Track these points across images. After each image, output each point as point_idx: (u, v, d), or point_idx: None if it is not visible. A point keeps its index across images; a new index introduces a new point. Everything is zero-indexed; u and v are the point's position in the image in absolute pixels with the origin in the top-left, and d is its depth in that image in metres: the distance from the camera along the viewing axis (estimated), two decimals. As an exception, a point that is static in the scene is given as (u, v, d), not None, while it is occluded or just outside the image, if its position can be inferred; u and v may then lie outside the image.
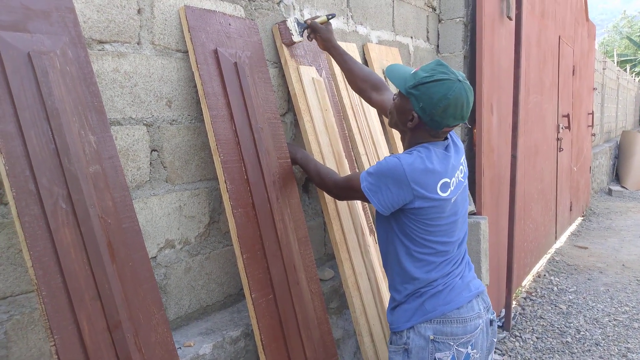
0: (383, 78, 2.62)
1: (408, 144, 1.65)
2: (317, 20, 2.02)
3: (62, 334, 1.17)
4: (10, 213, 1.30)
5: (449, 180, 1.56)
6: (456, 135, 1.76)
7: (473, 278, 1.70)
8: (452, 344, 1.57)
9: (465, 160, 1.72)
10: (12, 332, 1.33)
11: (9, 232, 1.31)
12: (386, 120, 2.65)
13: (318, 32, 2.01)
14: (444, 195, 1.55)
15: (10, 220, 1.31)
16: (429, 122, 1.54)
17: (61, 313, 1.19)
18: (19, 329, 1.34)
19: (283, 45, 2.06)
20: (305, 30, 2.05)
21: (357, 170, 2.31)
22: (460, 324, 1.58)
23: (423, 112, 1.53)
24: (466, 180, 1.70)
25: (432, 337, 1.57)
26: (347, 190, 1.72)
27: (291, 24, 2.03)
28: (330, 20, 2.03)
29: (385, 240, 1.67)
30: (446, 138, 1.65)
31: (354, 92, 2.41)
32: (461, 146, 1.73)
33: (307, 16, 2.27)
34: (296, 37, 2.04)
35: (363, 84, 2.00)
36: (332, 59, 2.10)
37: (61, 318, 1.18)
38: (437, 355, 1.57)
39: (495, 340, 1.73)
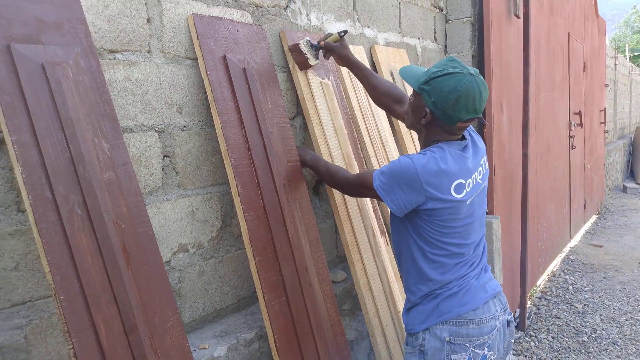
0: (393, 82, 2.64)
1: (424, 143, 1.64)
2: (330, 38, 2.02)
3: (80, 337, 1.20)
4: (27, 220, 1.34)
5: (464, 182, 1.54)
6: (478, 135, 1.74)
7: (490, 279, 1.68)
8: (468, 345, 1.56)
9: (486, 162, 1.69)
10: (31, 336, 1.36)
11: (27, 239, 1.35)
12: (398, 124, 2.66)
13: (334, 51, 2.02)
14: (458, 196, 1.53)
15: (27, 227, 1.34)
16: (441, 116, 1.53)
17: (79, 317, 1.21)
18: (38, 333, 1.37)
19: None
20: (320, 51, 2.05)
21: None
22: (476, 325, 1.57)
23: (435, 106, 1.52)
24: (485, 182, 1.67)
25: (447, 338, 1.56)
26: (359, 187, 1.72)
27: (304, 47, 2.02)
28: (343, 36, 2.02)
29: (400, 241, 1.66)
30: (464, 138, 1.63)
31: (362, 94, 2.43)
32: (482, 147, 1.70)
33: (314, 21, 2.29)
34: (312, 61, 2.04)
35: (385, 98, 2.02)
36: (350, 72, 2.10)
37: (79, 322, 1.21)
38: (453, 356, 1.55)
39: (512, 341, 1.71)
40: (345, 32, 2.02)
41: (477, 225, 1.64)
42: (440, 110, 1.52)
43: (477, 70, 1.54)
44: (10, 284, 1.33)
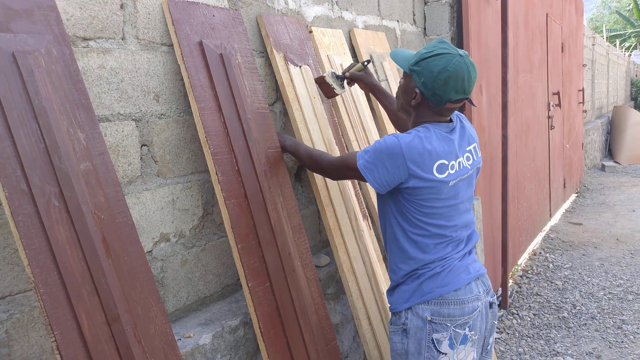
0: (373, 65, 2.63)
1: (413, 123, 1.66)
2: (354, 68, 2.11)
3: (62, 330, 1.19)
4: (4, 213, 1.31)
5: (447, 163, 1.56)
6: (470, 124, 1.75)
7: (473, 261, 1.70)
8: (450, 325, 1.58)
9: (477, 150, 1.71)
10: (12, 331, 1.35)
11: (4, 232, 1.32)
12: (379, 109, 2.66)
13: (362, 81, 2.12)
14: (440, 176, 1.54)
15: (4, 221, 1.32)
16: (431, 96, 1.55)
17: (60, 309, 1.20)
18: (20, 327, 1.36)
19: (269, 35, 2.06)
20: (345, 80, 2.14)
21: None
22: (457, 305, 1.59)
23: (425, 87, 1.55)
24: (474, 170, 1.68)
25: (429, 318, 1.58)
26: (342, 169, 1.73)
27: (329, 79, 2.11)
28: (367, 65, 2.10)
29: (384, 220, 1.69)
30: (452, 120, 1.65)
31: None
32: (473, 135, 1.72)
33: (291, 5, 2.27)
34: (338, 90, 2.14)
35: (404, 122, 2.02)
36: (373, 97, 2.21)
37: (60, 314, 1.20)
38: (435, 335, 1.58)
39: (495, 322, 1.74)
40: (369, 61, 2.13)
41: (462, 209, 1.66)
42: (430, 90, 1.54)
43: (467, 53, 1.57)
44: (-12, 278, 1.31)
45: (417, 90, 1.57)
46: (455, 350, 1.59)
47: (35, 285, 1.18)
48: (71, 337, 1.21)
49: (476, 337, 1.63)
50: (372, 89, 2.13)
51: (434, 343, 1.58)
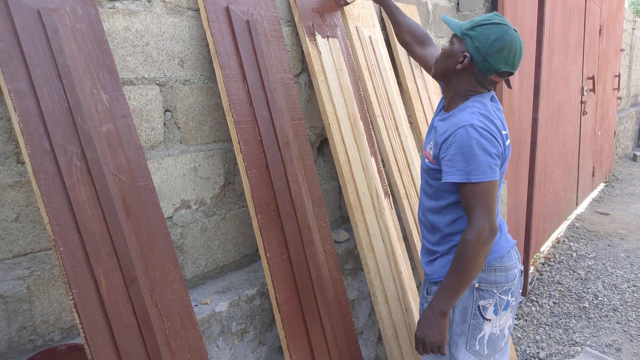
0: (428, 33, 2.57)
1: (453, 92, 1.60)
2: None
3: (80, 288, 1.20)
4: (27, 172, 1.32)
5: (505, 132, 1.57)
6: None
7: (507, 230, 1.72)
8: (496, 291, 1.60)
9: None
10: (33, 287, 1.37)
11: (27, 191, 1.34)
12: (406, 84, 2.60)
13: None
14: (506, 143, 1.57)
15: (27, 179, 1.33)
16: (480, 62, 1.52)
17: (78, 268, 1.21)
18: (40, 284, 1.38)
19: (296, 4, 2.02)
20: None
21: (369, 146, 2.27)
22: (503, 272, 1.61)
23: (477, 51, 1.51)
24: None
25: (477, 285, 1.59)
26: (483, 201, 1.46)
27: None
28: None
29: (443, 211, 1.60)
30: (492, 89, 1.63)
31: (369, 52, 2.36)
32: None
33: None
34: None
35: (408, 37, 2.04)
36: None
37: (79, 273, 1.21)
38: (481, 302, 1.59)
39: (520, 290, 1.76)
40: None
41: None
42: (481, 56, 1.51)
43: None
44: (11, 235, 1.32)
45: (467, 54, 1.53)
46: (498, 316, 1.62)
47: (55, 243, 1.19)
48: (89, 296, 1.22)
49: (514, 303, 1.67)
50: (382, 2, 2.11)
51: (479, 310, 1.60)
